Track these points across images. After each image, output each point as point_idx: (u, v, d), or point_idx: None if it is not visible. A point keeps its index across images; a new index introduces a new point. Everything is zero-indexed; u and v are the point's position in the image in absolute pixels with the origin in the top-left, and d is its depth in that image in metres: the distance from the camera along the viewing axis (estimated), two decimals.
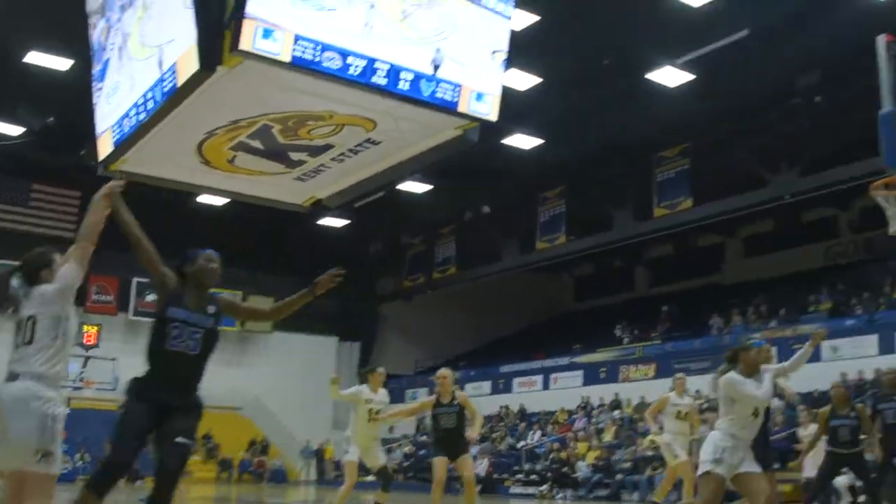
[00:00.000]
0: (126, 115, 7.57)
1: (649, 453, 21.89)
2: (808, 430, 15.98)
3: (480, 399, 35.71)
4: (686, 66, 22.79)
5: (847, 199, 29.24)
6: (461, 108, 9.38)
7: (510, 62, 14.41)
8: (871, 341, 24.79)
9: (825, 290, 29.41)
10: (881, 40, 7.78)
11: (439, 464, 10.84)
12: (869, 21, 18.33)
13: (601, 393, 30.96)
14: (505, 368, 36.74)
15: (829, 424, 11.46)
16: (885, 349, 23.96)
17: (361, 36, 7.80)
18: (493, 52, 9.87)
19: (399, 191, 30.01)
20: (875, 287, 28.08)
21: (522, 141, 27.03)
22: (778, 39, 21.64)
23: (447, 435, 11.05)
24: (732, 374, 7.77)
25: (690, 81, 23.37)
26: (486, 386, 36.78)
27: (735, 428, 7.57)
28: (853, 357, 24.66)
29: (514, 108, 21.52)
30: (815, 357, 24.52)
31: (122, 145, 7.76)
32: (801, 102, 24.08)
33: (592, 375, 32.52)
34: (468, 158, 24.98)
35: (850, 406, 11.53)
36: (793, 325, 27.73)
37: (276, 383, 38.70)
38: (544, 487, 25.40)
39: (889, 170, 7.88)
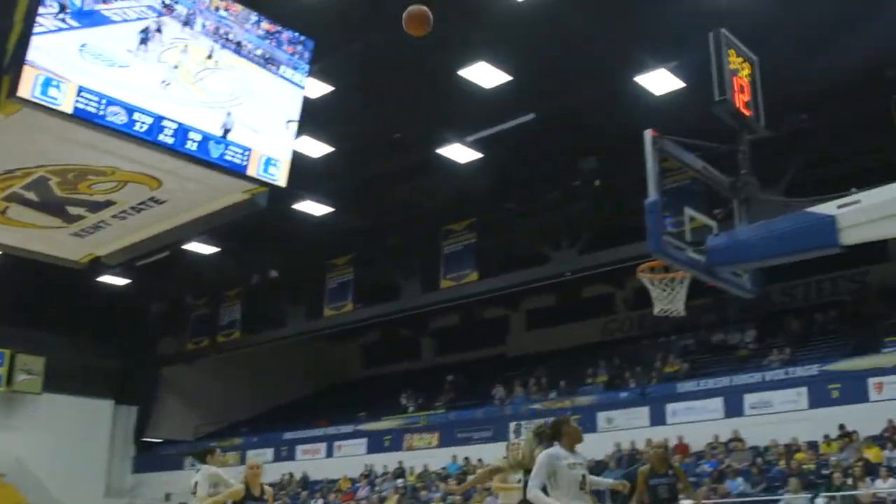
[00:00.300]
0: None
1: None
2: None
3: (263, 467, 35.04)
4: (475, 145, 23.61)
5: (623, 278, 30.74)
6: (250, 172, 9.44)
7: (303, 129, 14.55)
8: (644, 413, 26.01)
9: (602, 364, 30.64)
10: (648, 135, 8.38)
11: None
12: (647, 112, 19.66)
13: (385, 461, 31.00)
14: (288, 435, 36.21)
15: (649, 483, 12.01)
16: (655, 421, 25.19)
17: (152, 94, 7.76)
18: (287, 121, 10.01)
19: (184, 251, 29.41)
20: (647, 362, 29.55)
21: (313, 207, 27.12)
22: (562, 125, 22.74)
23: None
24: (556, 449, 7.72)
25: (479, 159, 24.19)
26: (269, 453, 36.05)
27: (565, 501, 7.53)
28: (626, 428, 25.82)
29: (306, 175, 21.64)
30: (592, 427, 25.65)
31: None
32: (581, 185, 25.30)
33: (377, 443, 32.53)
34: (257, 222, 24.83)
35: (668, 465, 12.11)
36: (571, 397, 28.79)
37: (43, 448, 36.57)
38: None
39: (653, 254, 8.42)
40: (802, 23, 18.62)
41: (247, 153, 9.22)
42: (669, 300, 9.06)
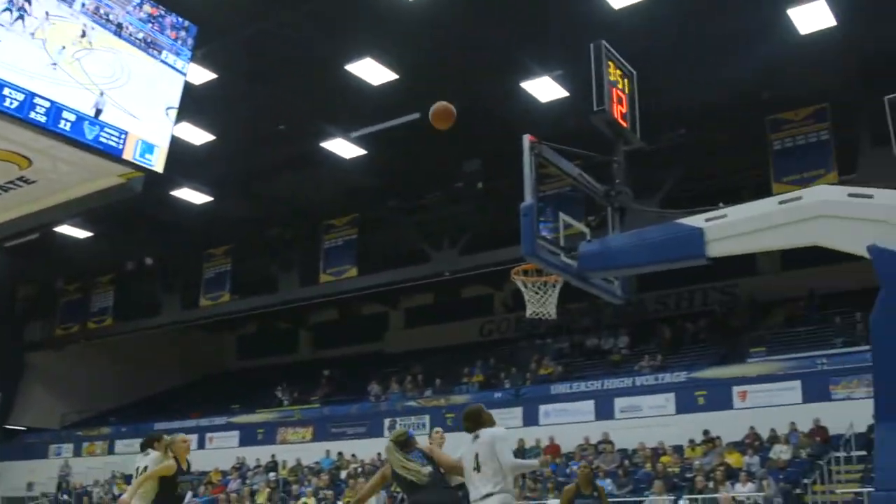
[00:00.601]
0: None
1: None
2: None
3: (131, 458, 34.20)
4: (360, 141, 23.56)
5: (502, 280, 31.09)
6: (126, 156, 9.23)
7: (184, 116, 14.29)
8: (517, 413, 26.34)
9: (478, 364, 30.92)
10: (526, 140, 8.49)
11: None
12: (531, 118, 19.91)
13: (257, 454, 30.65)
14: (159, 426, 35.38)
15: (574, 502, 12.23)
16: (529, 421, 25.57)
17: (24, 71, 7.53)
18: (167, 107, 9.83)
19: (56, 233, 28.53)
20: (523, 363, 29.96)
21: (192, 195, 26.68)
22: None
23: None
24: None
25: (363, 155, 24.16)
26: (138, 444, 35.08)
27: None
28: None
29: (186, 162, 21.33)
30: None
31: None
32: (464, 186, 25.49)
33: (249, 436, 32.18)
34: (133, 207, 24.31)
35: (592, 486, 12.33)
36: (446, 395, 28.95)
37: None
38: None
39: (527, 258, 8.53)
40: (685, 41, 19.16)
41: (123, 136, 9.00)
42: (542, 303, 9.20)
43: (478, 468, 7.52)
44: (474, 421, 7.87)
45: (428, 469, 7.68)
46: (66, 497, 32.04)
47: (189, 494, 11.57)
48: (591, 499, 12.12)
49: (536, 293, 9.22)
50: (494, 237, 25.83)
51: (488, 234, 26.54)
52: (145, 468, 11.20)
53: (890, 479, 7.12)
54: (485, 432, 7.74)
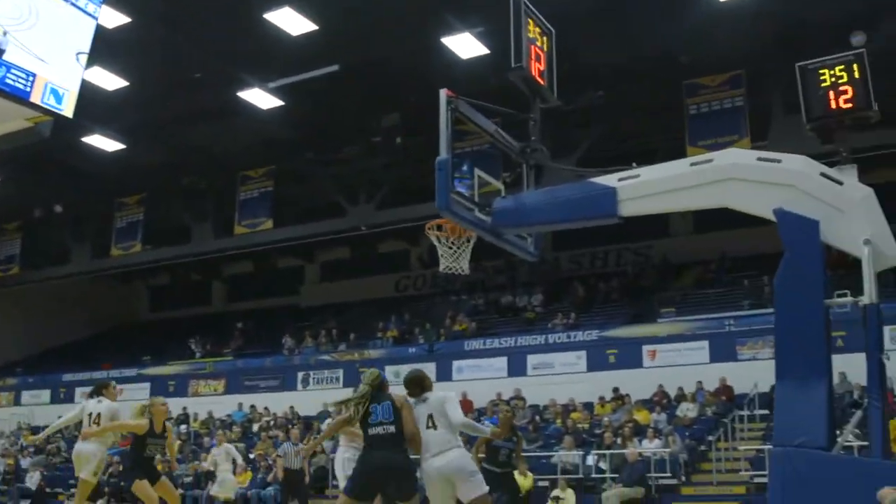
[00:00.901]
0: None
1: (211, 468, 21.80)
2: None
3: (38, 409, 33.70)
4: (277, 92, 23.22)
5: (418, 236, 31.11)
6: (34, 99, 8.98)
7: (96, 60, 13.91)
8: (430, 369, 26.33)
9: (393, 319, 30.98)
10: (443, 94, 8.47)
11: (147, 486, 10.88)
12: (452, 74, 19.82)
13: (169, 406, 30.32)
14: (67, 377, 34.88)
15: (492, 445, 12.19)
16: (442, 376, 25.67)
17: None
18: (77, 51, 9.57)
19: None
20: (437, 319, 30.09)
21: (103, 142, 26.04)
22: (366, 79, 22.69)
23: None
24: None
25: (280, 106, 23.84)
26: (46, 395, 34.66)
27: None
28: None
29: (97, 108, 20.81)
30: None
31: None
32: (382, 141, 25.34)
33: (161, 388, 31.68)
34: (42, 152, 23.70)
35: (512, 431, 12.39)
36: (360, 350, 28.98)
37: None
38: (100, 502, 24.34)
39: (440, 212, 8.55)
40: (605, 3, 19.27)
41: (31, 79, 8.75)
42: (455, 259, 9.23)
43: (434, 426, 7.77)
44: (419, 385, 8.07)
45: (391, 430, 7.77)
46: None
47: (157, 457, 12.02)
48: (510, 443, 12.25)
49: (450, 248, 9.24)
50: (411, 192, 25.78)
51: (405, 189, 26.51)
52: (98, 415, 11.39)
53: (786, 435, 7.36)
54: (433, 394, 8.03)
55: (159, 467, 11.86)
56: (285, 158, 27.76)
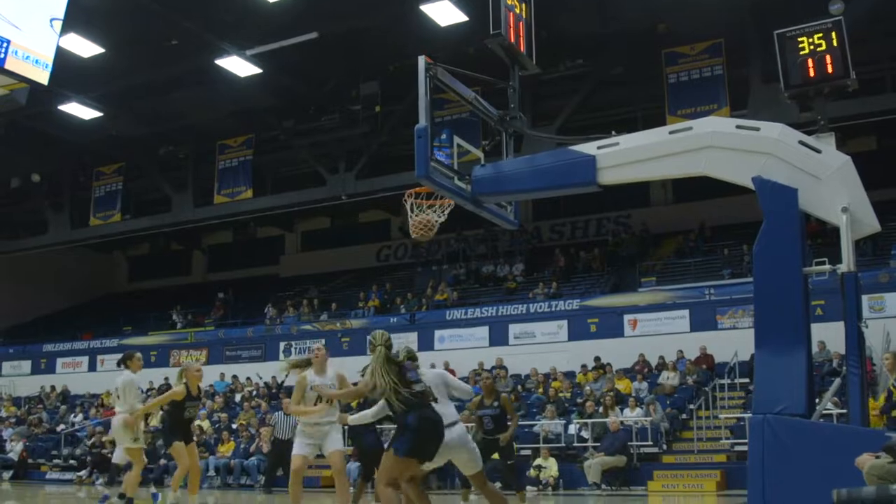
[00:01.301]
0: None
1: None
2: None
3: (19, 379, 33.64)
4: (255, 59, 22.98)
5: (398, 206, 31.02)
6: (8, 67, 8.89)
7: (71, 26, 13.75)
8: (412, 338, 26.42)
9: (374, 288, 30.96)
10: (422, 61, 8.39)
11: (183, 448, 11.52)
12: (431, 42, 19.72)
13: (151, 377, 30.18)
14: (48, 347, 34.79)
15: (477, 413, 12.41)
16: (424, 346, 25.66)
17: None
18: (51, 17, 9.46)
19: None
20: (419, 289, 30.11)
21: (80, 110, 25.74)
22: (345, 47, 22.52)
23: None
24: None
25: (259, 74, 23.62)
26: (26, 365, 34.56)
27: None
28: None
29: (73, 76, 20.60)
30: (361, 350, 26.01)
31: None
32: (362, 109, 25.21)
33: (142, 358, 31.70)
34: (17, 121, 23.48)
35: (494, 396, 12.38)
36: (342, 320, 28.97)
37: None
38: (83, 472, 24.34)
39: (419, 180, 8.51)
40: None
41: (4, 45, 8.66)
42: (429, 228, 9.21)
43: (434, 400, 7.79)
44: (413, 359, 8.04)
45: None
46: None
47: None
48: (491, 409, 12.27)
49: (421, 214, 9.21)
50: (391, 162, 25.75)
51: (385, 158, 26.45)
52: (117, 388, 11.98)
53: (766, 402, 7.40)
54: (430, 370, 8.46)
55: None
56: (264, 127, 27.63)
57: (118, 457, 15.15)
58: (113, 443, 23.75)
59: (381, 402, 8.17)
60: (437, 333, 26.69)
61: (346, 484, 9.78)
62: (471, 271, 30.94)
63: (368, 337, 7.73)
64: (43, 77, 8.89)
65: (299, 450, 9.41)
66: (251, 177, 27.79)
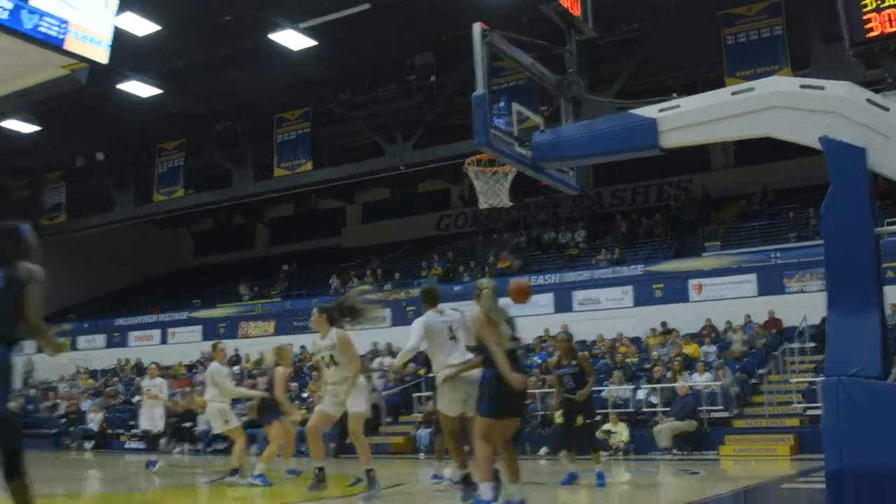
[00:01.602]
0: None
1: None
2: None
3: (94, 353, 34.40)
4: (309, 32, 22.98)
5: (458, 174, 30.97)
6: (67, 47, 8.95)
7: (128, 5, 13.83)
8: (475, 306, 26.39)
9: (436, 258, 30.99)
10: (477, 28, 8.30)
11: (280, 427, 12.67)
12: (484, 10, 19.51)
13: None
14: (120, 322, 35.52)
15: (557, 373, 12.51)
16: None
17: None
18: None
19: (1, 129, 27.93)
20: (481, 257, 30.06)
21: (139, 88, 26.04)
22: (397, 18, 22.43)
23: None
24: None
25: (313, 47, 23.64)
26: (101, 339, 35.43)
27: None
28: None
29: (131, 54, 20.73)
30: None
31: None
32: (416, 79, 25.13)
33: (212, 330, 32.19)
34: (81, 100, 23.81)
35: (572, 356, 12.40)
36: (406, 289, 29.02)
37: None
38: (161, 441, 24.78)
39: (480, 148, 8.45)
40: None
41: (63, 26, 8.71)
42: (495, 194, 9.16)
43: (454, 338, 8.32)
44: (434, 298, 8.74)
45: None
46: (32, 392, 32.22)
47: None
48: (570, 367, 12.26)
49: (487, 184, 9.17)
50: (447, 132, 25.65)
51: (442, 127, 26.35)
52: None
53: (839, 365, 7.24)
54: (452, 311, 8.76)
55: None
56: (320, 100, 27.68)
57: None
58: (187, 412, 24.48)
59: (417, 341, 8.31)
60: (501, 301, 26.59)
61: (365, 445, 10.02)
62: (532, 239, 30.83)
63: (476, 283, 7.91)
64: (102, 56, 8.94)
65: (323, 407, 10.12)
66: (310, 149, 27.92)
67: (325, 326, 10.03)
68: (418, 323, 8.67)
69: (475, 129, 8.22)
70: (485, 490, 7.71)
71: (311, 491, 10.34)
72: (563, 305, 25.63)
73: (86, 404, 28.58)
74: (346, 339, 9.99)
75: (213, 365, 12.78)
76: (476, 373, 8.29)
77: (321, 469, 10.40)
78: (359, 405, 9.97)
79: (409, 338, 8.79)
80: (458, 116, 23.23)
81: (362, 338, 27.04)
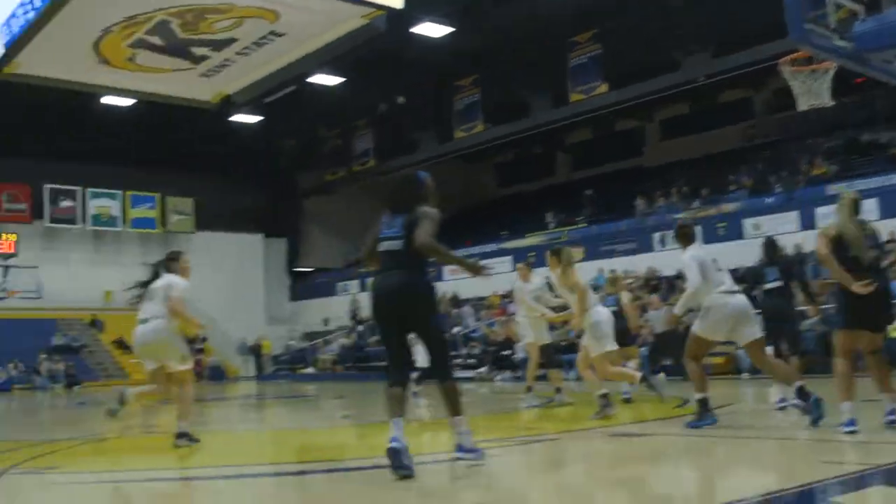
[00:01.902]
0: (13, 16, 7.26)
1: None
2: None
3: None
4: None
5: (761, 80, 29.50)
6: None
7: None
8: (792, 217, 25.17)
9: (744, 170, 29.78)
10: None
11: None
12: None
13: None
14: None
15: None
16: (805, 224, 24.37)
17: None
18: None
19: (310, 84, 29.50)
20: (793, 165, 28.56)
21: (432, 29, 26.66)
22: None
23: None
24: None
25: None
26: None
27: None
28: (774, 233, 25.09)
29: None
30: (738, 234, 25.18)
31: (13, 47, 7.45)
32: None
33: (522, 259, 32.66)
34: (378, 49, 24.62)
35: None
36: (715, 205, 28.14)
37: (203, 282, 37.95)
38: (483, 370, 25.58)
39: (796, 44, 7.89)
40: None
41: None
42: (815, 94, 8.53)
43: (720, 269, 8.30)
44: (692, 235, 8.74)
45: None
46: (360, 328, 34.26)
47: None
48: None
49: (804, 84, 8.54)
50: (748, 35, 24.34)
51: (742, 31, 25.02)
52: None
53: None
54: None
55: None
56: (609, 19, 27.12)
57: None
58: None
59: (697, 280, 8.11)
60: (819, 211, 25.07)
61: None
62: (848, 141, 28.85)
63: (840, 194, 7.38)
64: (398, 1, 9.10)
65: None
66: (603, 71, 27.48)
67: None
68: (692, 261, 8.22)
69: (788, 25, 7.70)
70: (843, 411, 7.06)
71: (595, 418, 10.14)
72: (890, 209, 23.69)
73: None
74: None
75: (517, 283, 13.67)
76: (742, 301, 8.08)
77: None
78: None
79: (687, 281, 8.41)
80: (759, 17, 22.07)
81: (671, 257, 26.66)
